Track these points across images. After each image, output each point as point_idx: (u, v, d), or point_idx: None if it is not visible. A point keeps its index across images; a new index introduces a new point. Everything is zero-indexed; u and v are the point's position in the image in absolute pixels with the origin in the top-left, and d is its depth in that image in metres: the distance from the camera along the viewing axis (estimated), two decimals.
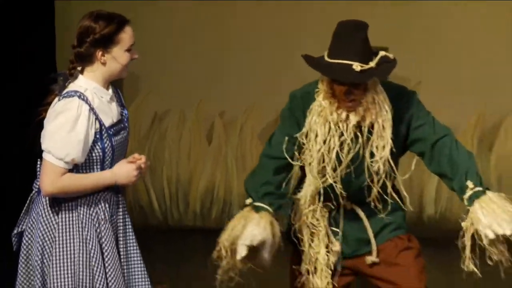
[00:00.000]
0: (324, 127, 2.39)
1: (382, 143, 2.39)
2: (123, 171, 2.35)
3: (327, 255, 2.49)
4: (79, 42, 2.31)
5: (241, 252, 2.32)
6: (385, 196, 2.43)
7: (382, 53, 2.45)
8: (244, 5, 5.94)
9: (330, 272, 2.49)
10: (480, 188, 2.33)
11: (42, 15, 6.42)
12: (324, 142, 2.36)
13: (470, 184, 2.34)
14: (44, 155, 2.31)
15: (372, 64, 2.35)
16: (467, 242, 2.34)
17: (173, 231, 5.29)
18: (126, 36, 2.34)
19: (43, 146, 2.32)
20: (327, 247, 2.48)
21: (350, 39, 2.35)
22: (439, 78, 5.34)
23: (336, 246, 2.49)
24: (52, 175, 2.32)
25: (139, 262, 2.48)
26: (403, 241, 2.57)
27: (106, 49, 2.31)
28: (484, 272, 2.48)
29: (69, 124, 2.30)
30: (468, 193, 2.34)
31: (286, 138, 2.41)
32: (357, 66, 2.30)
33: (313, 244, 2.49)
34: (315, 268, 2.49)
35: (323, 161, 2.37)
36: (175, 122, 5.36)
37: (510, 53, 5.57)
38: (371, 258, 2.47)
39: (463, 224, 2.35)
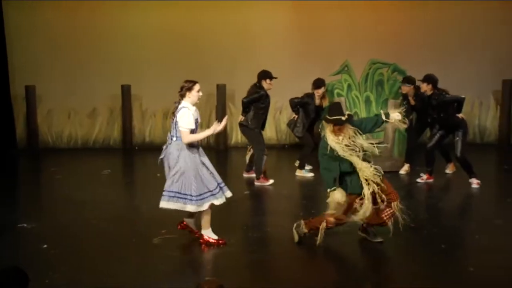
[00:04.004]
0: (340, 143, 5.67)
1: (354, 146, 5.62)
2: (209, 129, 5.78)
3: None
4: (181, 89, 5.72)
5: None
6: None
7: (348, 112, 6.16)
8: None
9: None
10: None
11: None
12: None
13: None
14: (180, 128, 5.62)
15: (344, 117, 5.59)
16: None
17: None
18: (196, 87, 5.75)
19: (179, 125, 5.64)
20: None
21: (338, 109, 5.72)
22: None
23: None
24: (186, 134, 5.61)
25: (212, 166, 5.83)
26: None
27: (190, 91, 5.70)
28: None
29: (186, 116, 5.65)
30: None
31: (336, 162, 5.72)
32: (343, 117, 5.63)
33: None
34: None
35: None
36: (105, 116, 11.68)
37: None
38: None
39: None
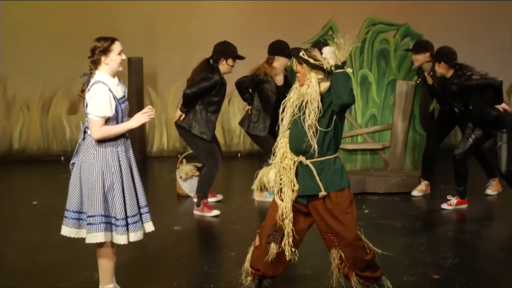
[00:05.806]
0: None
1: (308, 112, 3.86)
2: (134, 119, 4.09)
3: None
4: (92, 54, 4.08)
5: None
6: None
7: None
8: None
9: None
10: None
11: None
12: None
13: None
14: (89, 115, 4.04)
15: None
16: None
17: None
18: (116, 46, 4.09)
19: (89, 111, 4.02)
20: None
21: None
22: None
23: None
24: (96, 125, 4.04)
25: (139, 180, 4.20)
26: None
27: (107, 54, 4.08)
28: None
29: (99, 96, 4.00)
30: None
31: None
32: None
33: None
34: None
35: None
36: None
37: None
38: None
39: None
